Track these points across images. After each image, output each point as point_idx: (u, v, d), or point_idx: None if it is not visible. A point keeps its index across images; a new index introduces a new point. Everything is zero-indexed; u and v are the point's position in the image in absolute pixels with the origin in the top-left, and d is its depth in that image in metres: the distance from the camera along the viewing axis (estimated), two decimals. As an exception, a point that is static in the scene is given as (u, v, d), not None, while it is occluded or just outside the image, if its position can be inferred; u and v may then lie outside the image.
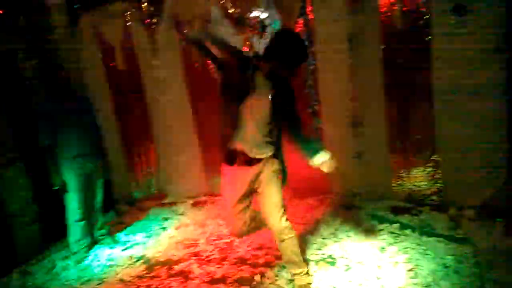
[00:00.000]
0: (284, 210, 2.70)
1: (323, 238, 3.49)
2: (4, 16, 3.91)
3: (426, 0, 3.48)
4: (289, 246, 2.73)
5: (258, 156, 2.59)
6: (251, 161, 2.59)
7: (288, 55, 2.36)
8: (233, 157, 2.60)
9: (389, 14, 3.66)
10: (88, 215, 3.80)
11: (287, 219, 2.70)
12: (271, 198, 2.66)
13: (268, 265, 3.21)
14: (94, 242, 3.95)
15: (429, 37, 3.50)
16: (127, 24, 4.59)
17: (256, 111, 2.47)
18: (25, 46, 4.04)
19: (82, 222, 3.73)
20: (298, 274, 2.82)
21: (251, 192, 2.73)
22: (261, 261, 3.30)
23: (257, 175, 2.65)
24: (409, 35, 3.64)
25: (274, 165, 2.67)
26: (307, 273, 2.86)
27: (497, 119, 3.35)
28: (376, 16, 3.69)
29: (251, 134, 2.52)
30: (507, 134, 3.34)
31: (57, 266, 3.73)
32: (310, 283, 2.84)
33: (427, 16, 3.49)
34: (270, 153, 2.63)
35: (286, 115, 2.58)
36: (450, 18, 3.30)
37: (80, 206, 3.68)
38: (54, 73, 3.65)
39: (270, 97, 2.47)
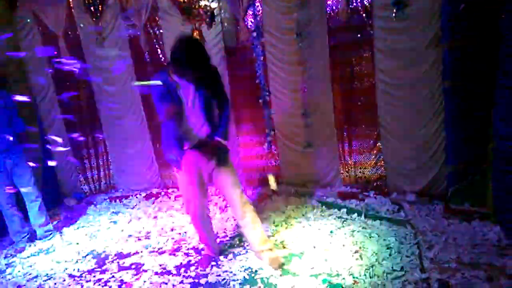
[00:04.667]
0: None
1: (276, 225, 3.58)
2: None
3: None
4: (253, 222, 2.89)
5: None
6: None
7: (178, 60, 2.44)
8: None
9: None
10: (19, 207, 3.84)
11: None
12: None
13: (222, 253, 3.25)
14: (35, 234, 3.95)
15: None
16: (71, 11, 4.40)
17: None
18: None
19: (15, 215, 3.82)
20: (268, 249, 2.94)
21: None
22: (214, 250, 3.33)
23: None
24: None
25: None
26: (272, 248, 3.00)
27: (434, 109, 3.55)
28: (322, 9, 3.78)
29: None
30: (443, 123, 3.55)
31: (1, 263, 3.59)
32: (279, 257, 2.97)
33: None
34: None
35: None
36: (391, 11, 3.44)
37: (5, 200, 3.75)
38: None
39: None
